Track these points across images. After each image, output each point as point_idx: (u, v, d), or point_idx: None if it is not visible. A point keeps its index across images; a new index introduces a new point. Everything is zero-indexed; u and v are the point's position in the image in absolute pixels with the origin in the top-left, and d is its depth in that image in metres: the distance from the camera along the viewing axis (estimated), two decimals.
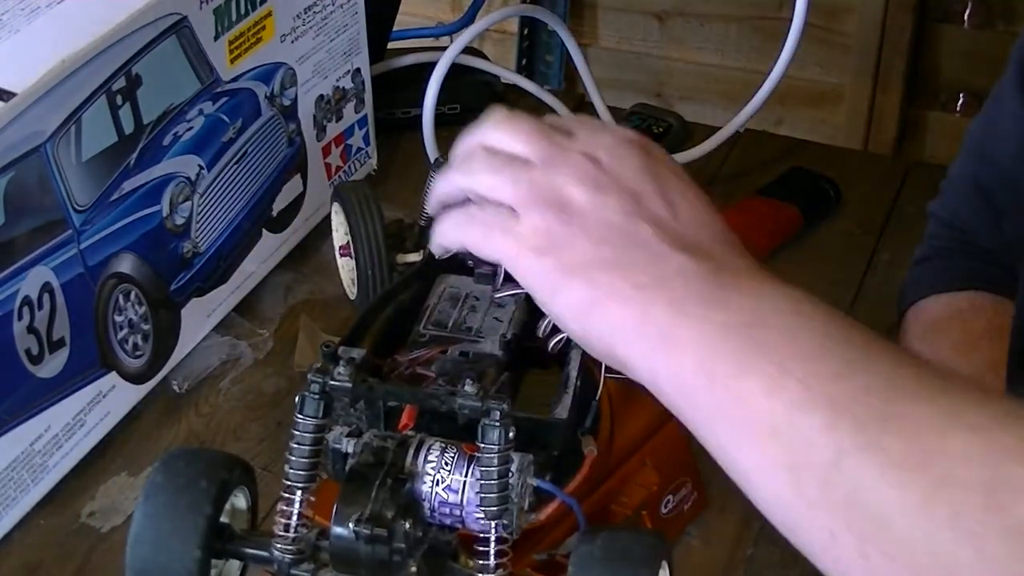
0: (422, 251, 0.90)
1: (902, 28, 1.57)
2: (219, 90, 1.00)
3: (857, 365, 0.52)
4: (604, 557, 0.61)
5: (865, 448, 0.49)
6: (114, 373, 0.95)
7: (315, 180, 1.14)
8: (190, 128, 0.97)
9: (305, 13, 1.08)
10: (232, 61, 1.01)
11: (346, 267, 1.03)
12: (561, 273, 0.58)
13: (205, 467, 0.66)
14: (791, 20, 1.12)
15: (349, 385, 0.65)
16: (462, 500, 0.64)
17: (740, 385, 0.53)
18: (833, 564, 0.52)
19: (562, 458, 0.72)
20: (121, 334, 0.95)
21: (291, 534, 0.65)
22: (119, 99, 0.90)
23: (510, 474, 0.63)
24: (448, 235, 0.63)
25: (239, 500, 0.69)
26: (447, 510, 0.64)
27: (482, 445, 0.63)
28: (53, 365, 0.89)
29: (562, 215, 0.58)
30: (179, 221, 0.98)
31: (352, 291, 1.02)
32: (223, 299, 1.05)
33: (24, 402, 0.88)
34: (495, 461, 0.63)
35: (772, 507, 0.55)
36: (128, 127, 0.92)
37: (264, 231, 1.09)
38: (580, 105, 1.31)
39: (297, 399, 0.65)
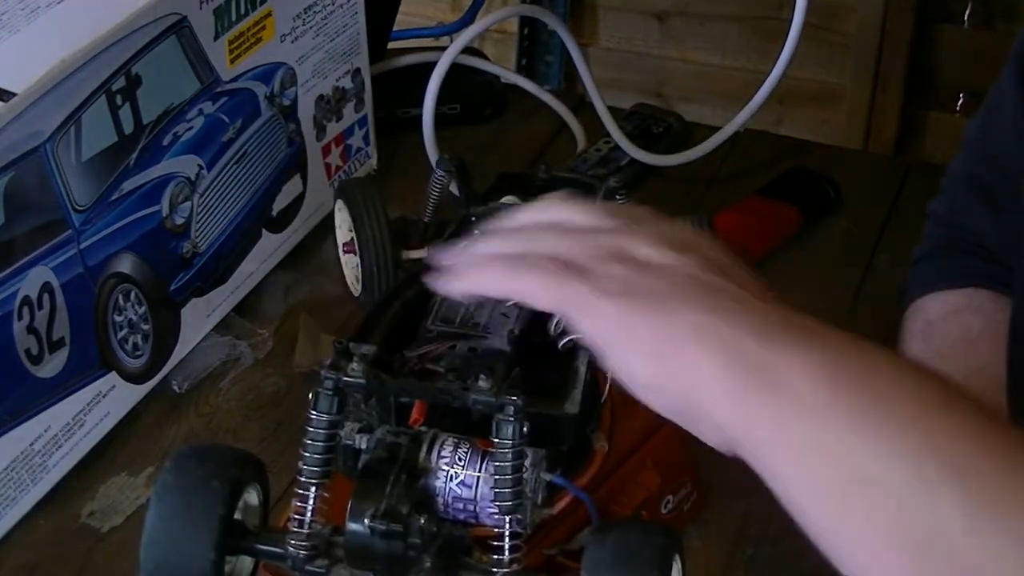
0: (427, 247, 0.91)
1: (902, 28, 1.57)
2: (219, 90, 1.00)
3: (974, 428, 0.50)
4: (616, 561, 0.61)
5: (1001, 518, 0.47)
6: (114, 373, 0.95)
7: (315, 180, 1.14)
8: (190, 128, 0.97)
9: (305, 13, 1.08)
10: (232, 61, 1.01)
11: (349, 264, 1.03)
12: (638, 312, 0.55)
13: (216, 466, 0.66)
14: (791, 20, 1.12)
15: (363, 381, 0.65)
16: (476, 495, 0.64)
17: (857, 442, 0.50)
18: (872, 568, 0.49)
19: (571, 453, 0.72)
20: (121, 334, 0.95)
21: (305, 530, 0.65)
22: (119, 99, 0.90)
23: (524, 469, 0.63)
24: (491, 282, 0.59)
25: (251, 497, 0.69)
26: (461, 505, 0.65)
27: (496, 440, 0.63)
28: (53, 365, 0.89)
29: (639, 267, 0.57)
30: (179, 221, 0.98)
31: (356, 288, 1.02)
32: (223, 299, 1.05)
33: (24, 402, 0.88)
34: (509, 456, 0.63)
35: (863, 562, 0.51)
36: (128, 127, 0.92)
37: (264, 231, 1.09)
38: (580, 105, 1.31)
39: (311, 395, 0.65)
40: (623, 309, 0.55)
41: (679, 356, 0.53)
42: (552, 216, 0.62)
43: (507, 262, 0.59)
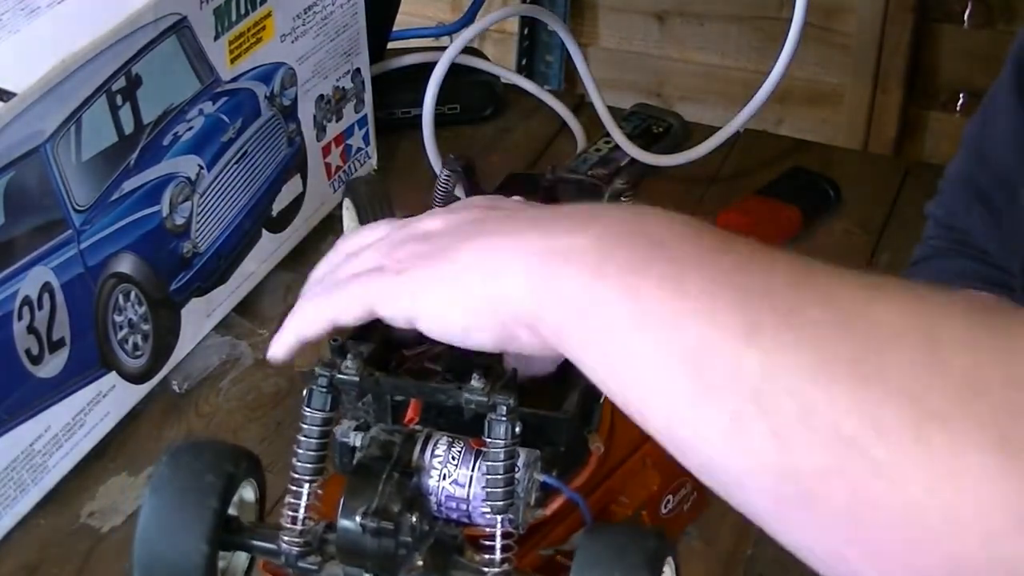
0: None
1: (902, 28, 1.57)
2: (219, 90, 1.00)
3: (757, 258, 0.52)
4: (606, 563, 0.61)
5: (785, 318, 0.47)
6: (114, 373, 0.95)
7: (315, 180, 1.14)
8: (190, 128, 0.98)
9: (305, 13, 1.08)
10: (232, 61, 1.01)
11: None
12: (426, 268, 0.58)
13: (211, 460, 0.66)
14: (791, 20, 1.12)
15: (356, 379, 0.65)
16: (469, 494, 0.64)
17: (637, 281, 0.51)
18: (739, 454, 0.48)
19: (567, 454, 0.72)
20: (121, 334, 0.95)
21: (298, 527, 0.65)
22: (119, 99, 0.90)
23: (516, 469, 0.64)
24: (307, 323, 0.62)
25: (247, 492, 0.69)
26: (454, 504, 0.65)
27: (489, 440, 0.63)
28: (53, 365, 0.89)
29: (425, 238, 0.59)
30: (179, 221, 0.98)
31: None
32: (223, 299, 1.05)
33: (24, 402, 0.88)
34: (501, 456, 0.63)
35: (661, 406, 0.52)
36: (128, 127, 0.92)
37: (264, 231, 1.09)
38: (580, 105, 1.31)
39: (305, 392, 0.66)
40: (415, 275, 0.58)
41: (474, 284, 0.56)
42: (352, 243, 0.64)
43: (315, 297, 0.62)
